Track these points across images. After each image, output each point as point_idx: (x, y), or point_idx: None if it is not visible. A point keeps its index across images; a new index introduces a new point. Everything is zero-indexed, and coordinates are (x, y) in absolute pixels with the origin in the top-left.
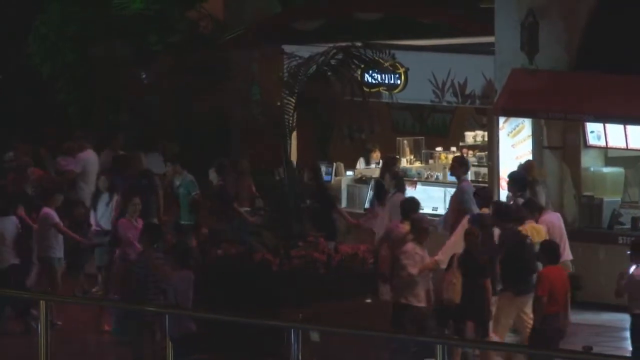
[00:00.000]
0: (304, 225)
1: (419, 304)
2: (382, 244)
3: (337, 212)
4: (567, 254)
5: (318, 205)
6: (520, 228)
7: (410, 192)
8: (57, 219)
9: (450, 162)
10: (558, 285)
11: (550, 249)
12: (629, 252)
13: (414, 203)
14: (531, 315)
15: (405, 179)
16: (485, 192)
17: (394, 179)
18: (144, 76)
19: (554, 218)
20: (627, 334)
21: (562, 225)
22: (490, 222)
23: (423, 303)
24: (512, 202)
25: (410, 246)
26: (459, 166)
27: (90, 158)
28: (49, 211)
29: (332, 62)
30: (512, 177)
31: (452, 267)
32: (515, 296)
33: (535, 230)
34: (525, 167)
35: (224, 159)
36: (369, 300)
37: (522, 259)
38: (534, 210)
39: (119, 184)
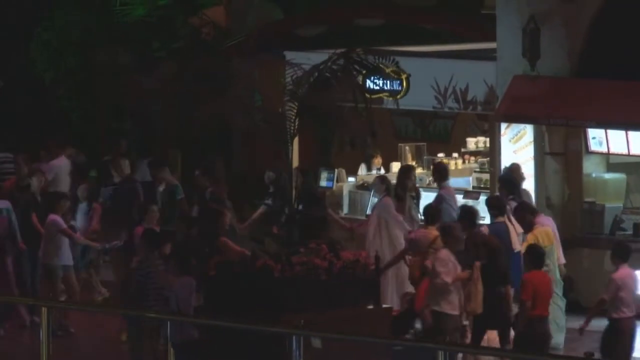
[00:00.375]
0: (300, 230)
1: (452, 311)
2: (408, 252)
3: (329, 217)
4: (560, 258)
5: (309, 210)
6: (530, 234)
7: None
8: (64, 225)
9: (452, 168)
10: (542, 289)
11: (535, 254)
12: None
13: (437, 209)
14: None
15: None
16: (499, 201)
17: (383, 183)
18: (145, 83)
19: (547, 222)
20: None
21: (556, 230)
22: (459, 229)
23: (457, 311)
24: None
25: (444, 253)
26: (436, 173)
27: (62, 165)
28: (56, 217)
29: (334, 67)
30: (502, 179)
31: (473, 277)
32: None
33: (545, 234)
34: (511, 169)
35: (212, 162)
36: (370, 307)
37: (495, 266)
38: (527, 213)
39: (97, 192)
